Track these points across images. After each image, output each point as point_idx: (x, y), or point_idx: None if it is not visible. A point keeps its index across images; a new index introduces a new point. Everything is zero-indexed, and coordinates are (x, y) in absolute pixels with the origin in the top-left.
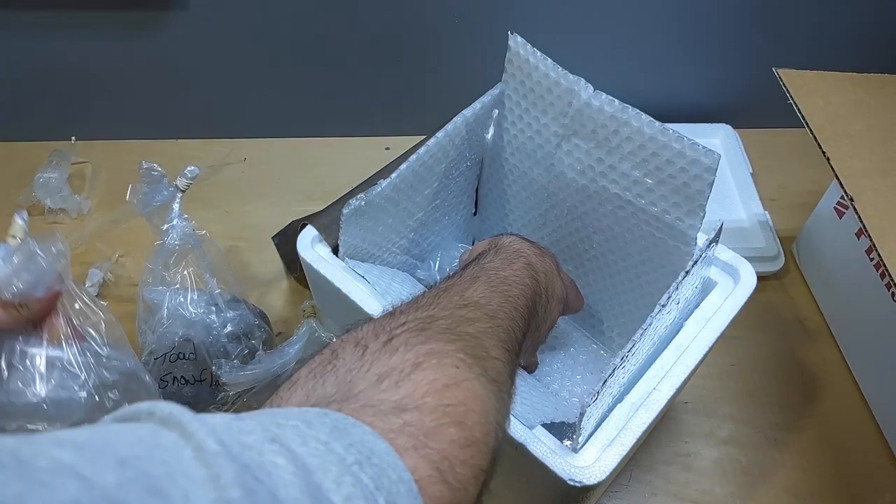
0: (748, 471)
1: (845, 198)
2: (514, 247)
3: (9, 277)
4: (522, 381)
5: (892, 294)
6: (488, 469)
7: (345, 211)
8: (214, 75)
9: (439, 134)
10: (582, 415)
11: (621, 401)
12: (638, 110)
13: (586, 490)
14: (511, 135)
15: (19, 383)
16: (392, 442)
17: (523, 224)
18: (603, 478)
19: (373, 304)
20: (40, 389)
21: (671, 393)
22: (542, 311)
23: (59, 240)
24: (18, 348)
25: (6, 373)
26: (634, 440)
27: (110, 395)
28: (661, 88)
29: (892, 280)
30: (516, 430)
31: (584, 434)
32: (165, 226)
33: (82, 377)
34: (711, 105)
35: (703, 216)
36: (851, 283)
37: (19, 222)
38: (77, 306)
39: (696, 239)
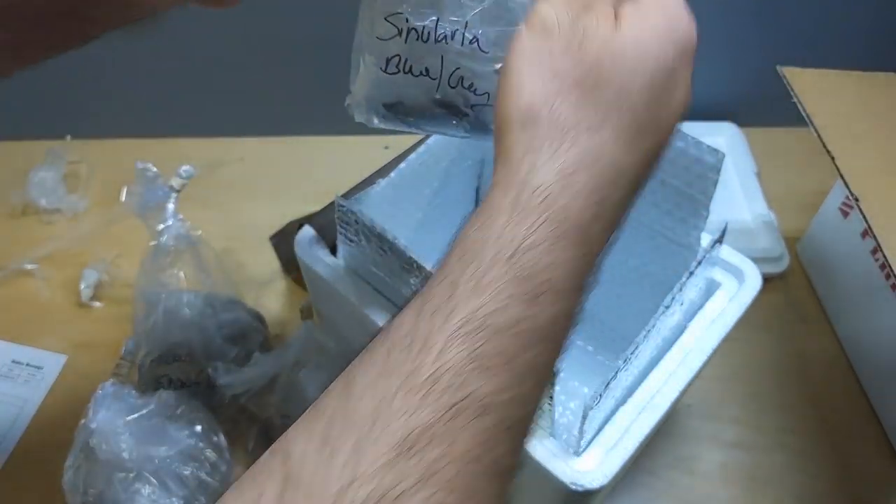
0: (753, 474)
1: (850, 198)
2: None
3: None
4: None
5: None
6: None
7: None
8: (211, 73)
9: None
10: (584, 418)
11: (624, 403)
12: None
13: (588, 495)
14: None
15: None
16: None
17: None
18: (606, 482)
19: (372, 306)
20: None
21: (675, 395)
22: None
23: None
24: None
25: None
26: (638, 443)
27: None
28: None
29: None
30: None
31: (587, 437)
32: (161, 226)
33: None
34: (716, 103)
35: (707, 216)
36: (857, 283)
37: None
38: None
39: (699, 240)
